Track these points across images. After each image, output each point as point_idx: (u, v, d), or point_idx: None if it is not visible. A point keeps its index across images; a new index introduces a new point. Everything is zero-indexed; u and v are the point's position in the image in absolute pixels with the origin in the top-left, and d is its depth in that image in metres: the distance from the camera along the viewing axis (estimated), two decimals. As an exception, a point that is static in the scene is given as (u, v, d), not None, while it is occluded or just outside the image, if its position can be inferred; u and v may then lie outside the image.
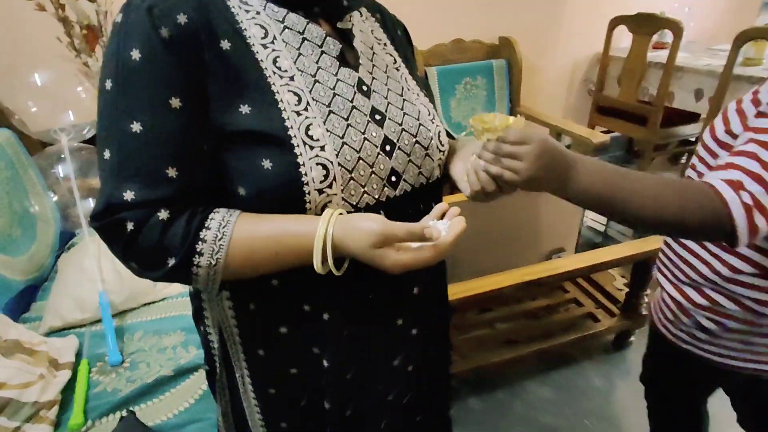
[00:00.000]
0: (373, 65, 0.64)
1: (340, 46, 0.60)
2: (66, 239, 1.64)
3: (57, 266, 1.50)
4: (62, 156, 1.63)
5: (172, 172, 0.51)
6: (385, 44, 0.69)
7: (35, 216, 1.55)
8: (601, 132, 2.38)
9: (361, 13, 0.68)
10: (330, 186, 0.54)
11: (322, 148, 0.53)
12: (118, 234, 0.51)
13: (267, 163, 0.52)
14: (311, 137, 0.53)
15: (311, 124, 0.54)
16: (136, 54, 0.49)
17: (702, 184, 0.60)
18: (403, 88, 0.65)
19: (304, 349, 0.64)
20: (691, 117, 2.65)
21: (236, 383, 0.70)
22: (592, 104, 2.78)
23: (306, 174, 0.52)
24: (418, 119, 0.64)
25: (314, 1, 0.59)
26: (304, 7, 0.59)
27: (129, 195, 0.50)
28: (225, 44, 0.52)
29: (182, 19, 0.50)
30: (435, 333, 0.76)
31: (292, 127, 0.53)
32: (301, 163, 0.52)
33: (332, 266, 0.52)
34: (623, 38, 2.66)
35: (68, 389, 1.11)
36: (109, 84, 0.50)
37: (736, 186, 0.58)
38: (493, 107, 2.56)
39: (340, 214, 0.54)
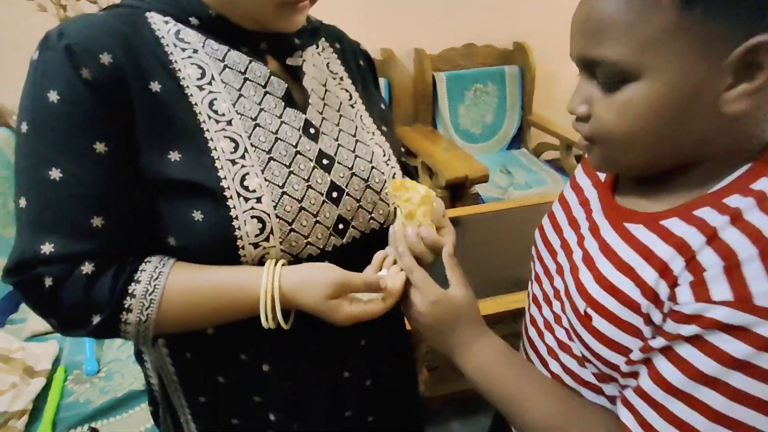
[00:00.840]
0: (325, 104, 0.60)
1: (286, 86, 0.56)
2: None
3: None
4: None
5: (97, 222, 0.47)
6: (341, 79, 0.65)
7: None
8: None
9: (317, 45, 0.65)
10: (267, 239, 0.50)
11: (259, 200, 0.50)
12: (35, 291, 0.47)
13: (198, 215, 0.49)
14: (247, 188, 0.50)
15: (248, 173, 0.50)
16: (53, 96, 0.45)
17: (609, 419, 0.45)
18: (356, 128, 0.62)
19: (245, 398, 0.61)
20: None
21: (181, 425, 0.67)
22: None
23: (240, 228, 0.49)
24: (370, 162, 0.60)
25: (260, 36, 0.55)
26: (248, 44, 0.55)
27: (47, 248, 0.46)
28: (155, 86, 0.49)
29: (106, 59, 0.47)
30: (395, 385, 0.72)
31: (225, 178, 0.49)
32: (234, 216, 0.49)
33: (281, 321, 0.50)
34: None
35: (42, 397, 1.12)
36: (24, 127, 0.47)
37: None
38: (503, 115, 2.48)
39: (284, 264, 0.51)
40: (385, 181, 0.61)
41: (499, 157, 2.44)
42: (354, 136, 0.61)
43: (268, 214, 0.50)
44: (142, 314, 0.48)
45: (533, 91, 2.47)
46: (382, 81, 2.24)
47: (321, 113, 0.59)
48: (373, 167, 0.60)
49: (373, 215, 0.60)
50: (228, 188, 0.49)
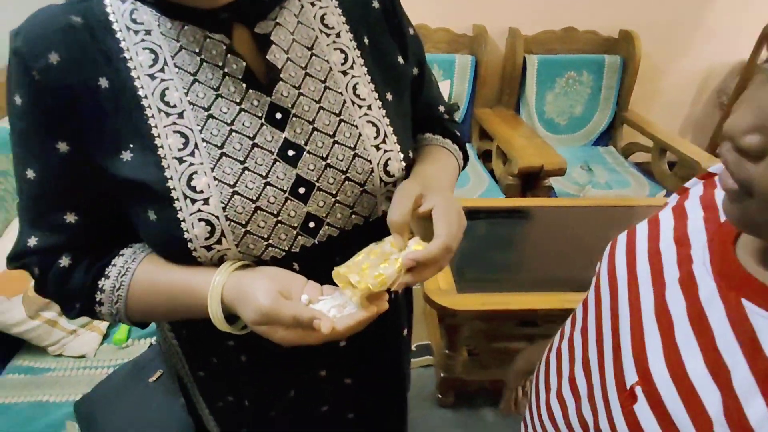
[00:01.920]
0: (306, 75, 0.51)
1: (244, 64, 0.48)
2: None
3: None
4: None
5: (70, 218, 0.48)
6: (337, 35, 0.54)
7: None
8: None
9: None
10: (219, 242, 0.47)
11: (206, 202, 0.46)
12: (31, 276, 0.51)
13: (152, 215, 0.47)
14: (194, 189, 0.46)
15: (195, 172, 0.46)
16: (18, 99, 0.45)
17: None
18: (343, 103, 0.52)
19: (230, 381, 0.63)
20: None
21: (188, 390, 0.71)
22: (720, 121, 2.40)
23: (188, 231, 0.46)
24: (353, 148, 0.52)
25: (222, 6, 0.46)
26: (209, 15, 0.46)
27: (32, 241, 0.49)
28: (103, 82, 0.45)
29: (53, 58, 0.44)
30: (381, 383, 0.71)
31: (171, 178, 0.46)
32: (181, 218, 0.46)
33: (227, 327, 0.48)
34: (779, 48, 2.22)
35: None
36: (10, 131, 0.48)
37: None
38: (595, 108, 2.32)
39: (242, 266, 0.49)
40: (371, 171, 0.52)
41: (582, 152, 2.30)
42: (338, 114, 0.52)
43: (217, 217, 0.46)
44: (112, 307, 0.50)
45: (633, 86, 2.27)
46: (468, 58, 2.19)
47: (298, 88, 0.50)
48: (355, 154, 0.52)
49: (355, 210, 0.53)
50: (174, 189, 0.46)
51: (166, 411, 0.96)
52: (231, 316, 0.48)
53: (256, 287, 0.45)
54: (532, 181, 1.93)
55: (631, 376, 0.36)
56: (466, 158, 0.71)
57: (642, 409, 0.34)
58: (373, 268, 0.48)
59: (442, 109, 0.69)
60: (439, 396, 1.53)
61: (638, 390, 0.35)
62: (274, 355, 0.57)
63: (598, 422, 0.39)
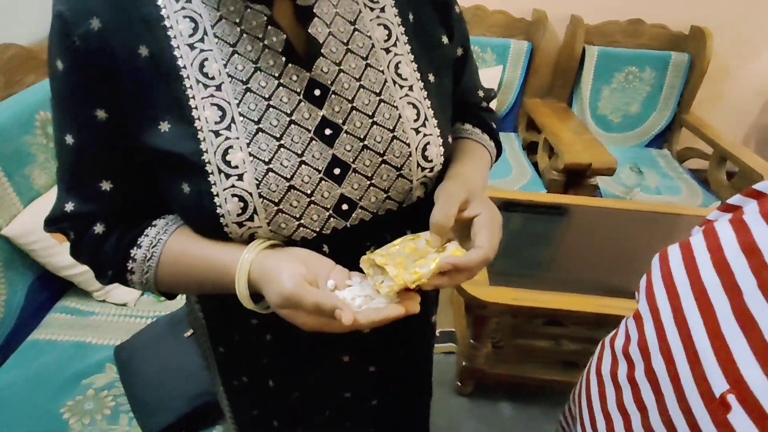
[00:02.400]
0: (348, 50, 0.50)
1: (284, 37, 0.47)
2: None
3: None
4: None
5: (105, 186, 0.49)
6: (381, 9, 0.52)
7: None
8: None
9: None
10: (251, 219, 0.47)
11: (240, 177, 0.46)
12: (67, 240, 0.52)
13: (186, 188, 0.47)
14: (228, 163, 0.46)
15: (231, 147, 0.46)
16: (59, 64, 0.45)
17: None
18: (384, 82, 0.51)
19: (252, 360, 0.63)
20: None
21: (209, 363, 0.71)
22: (789, 132, 2.24)
23: (221, 206, 0.46)
24: (392, 130, 0.50)
25: None
26: None
27: (69, 206, 0.49)
28: (143, 50, 0.45)
29: (95, 23, 0.43)
30: (405, 373, 0.70)
31: (207, 151, 0.46)
32: (215, 193, 0.46)
33: (252, 305, 0.47)
34: None
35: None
36: (51, 95, 0.48)
37: None
38: (653, 107, 2.21)
39: (271, 245, 0.48)
40: (409, 155, 0.51)
41: (633, 153, 2.20)
42: (378, 94, 0.50)
43: (250, 193, 0.46)
44: (142, 277, 0.51)
45: (698, 87, 2.14)
46: (523, 44, 2.11)
47: (338, 65, 0.49)
48: (395, 137, 0.50)
49: (390, 195, 0.52)
50: (209, 163, 0.46)
51: (198, 367, 1.01)
52: (257, 295, 0.48)
53: (281, 269, 0.44)
54: (577, 178, 1.87)
55: (719, 385, 0.35)
56: (499, 152, 0.70)
57: (738, 417, 0.33)
58: (409, 263, 0.47)
59: (481, 94, 0.67)
60: (458, 384, 1.54)
61: (731, 398, 0.34)
62: (298, 338, 0.56)
63: None
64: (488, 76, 2.09)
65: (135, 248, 0.50)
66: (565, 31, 2.16)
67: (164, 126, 0.46)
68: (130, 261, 0.50)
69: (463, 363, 1.48)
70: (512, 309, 1.24)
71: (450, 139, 0.56)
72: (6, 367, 1.13)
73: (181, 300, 1.29)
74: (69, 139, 0.47)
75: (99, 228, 0.50)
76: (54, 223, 0.51)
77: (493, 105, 0.71)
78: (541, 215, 1.61)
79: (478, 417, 1.50)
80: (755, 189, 0.43)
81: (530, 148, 2.20)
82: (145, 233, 0.51)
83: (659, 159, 2.19)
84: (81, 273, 1.25)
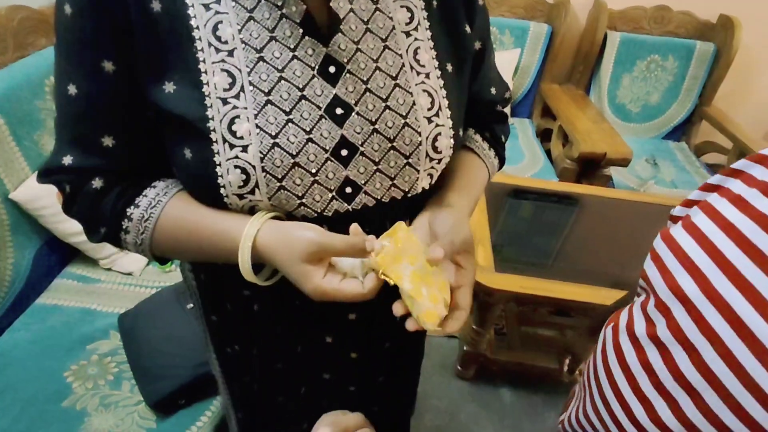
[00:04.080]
0: (367, 30, 0.48)
1: (304, 8, 0.45)
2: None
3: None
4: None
5: (107, 141, 0.47)
6: None
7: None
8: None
9: None
10: (252, 192, 0.46)
11: (244, 149, 0.44)
12: (61, 193, 0.50)
13: (188, 153, 0.46)
14: (234, 133, 0.44)
15: (238, 116, 0.44)
16: (68, 9, 0.43)
17: None
18: (401, 66, 0.49)
19: (240, 330, 0.63)
20: None
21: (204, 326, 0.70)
22: (814, 129, 2.17)
23: (222, 176, 0.45)
24: (405, 117, 0.49)
25: None
26: None
27: (66, 160, 0.48)
28: (156, 5, 0.43)
29: None
30: (388, 363, 0.69)
31: (213, 118, 0.44)
32: (217, 162, 0.45)
33: (253, 276, 0.47)
34: None
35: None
36: (55, 41, 0.46)
37: None
38: (674, 98, 2.15)
39: (274, 217, 0.47)
40: (419, 143, 0.49)
41: (650, 145, 2.15)
42: (395, 78, 0.49)
43: (253, 167, 0.45)
44: (137, 237, 0.49)
45: (722, 79, 2.07)
46: (543, 27, 2.05)
47: (356, 43, 0.47)
48: (406, 123, 0.49)
49: (395, 182, 0.50)
50: (214, 130, 0.44)
51: (200, 337, 1.01)
52: (255, 267, 0.47)
53: (301, 227, 0.45)
54: (590, 168, 1.83)
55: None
56: (501, 164, 0.68)
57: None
58: (429, 289, 0.45)
59: (493, 91, 0.63)
60: (459, 368, 1.54)
61: None
62: (285, 310, 0.57)
63: (719, 419, 0.40)
64: (505, 59, 2.04)
65: (132, 207, 0.49)
66: (588, 15, 2.09)
67: (168, 86, 0.44)
68: (126, 220, 0.49)
69: (465, 347, 1.47)
70: (519, 297, 1.23)
71: (461, 133, 0.54)
72: (13, 329, 1.14)
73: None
74: (72, 89, 0.45)
75: (97, 183, 0.48)
76: (49, 174, 0.49)
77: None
78: (552, 204, 1.59)
79: (479, 401, 1.51)
80: (762, 154, 0.44)
81: (544, 135, 2.16)
82: (143, 193, 0.49)
83: (676, 151, 2.13)
84: (87, 240, 1.26)
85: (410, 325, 0.46)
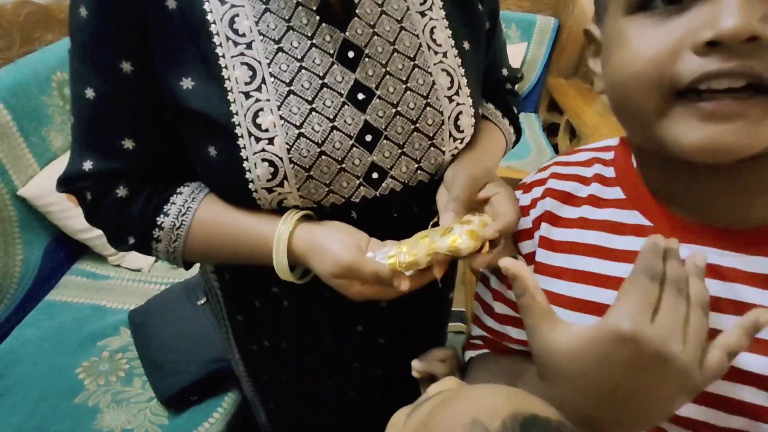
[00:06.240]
0: (382, 12, 0.48)
1: None
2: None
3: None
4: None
5: (128, 143, 0.47)
6: None
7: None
8: None
9: None
10: (281, 185, 0.46)
11: (270, 141, 0.44)
12: (82, 202, 0.49)
13: (212, 151, 0.45)
14: (259, 126, 0.44)
15: (261, 109, 0.44)
16: (83, 11, 0.43)
17: None
18: (419, 47, 0.49)
19: (272, 325, 0.63)
20: None
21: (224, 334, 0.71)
22: None
23: (250, 171, 0.45)
24: (426, 97, 0.49)
25: None
26: None
27: (87, 165, 0.47)
28: (171, 2, 0.43)
29: None
30: (416, 346, 0.68)
31: (237, 113, 0.44)
32: (244, 157, 0.44)
33: (292, 277, 0.48)
34: None
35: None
36: (70, 44, 0.46)
37: None
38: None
39: (305, 216, 0.47)
40: (442, 123, 0.49)
41: (658, 139, 2.13)
42: (413, 59, 0.48)
43: (281, 158, 0.44)
44: (169, 246, 0.49)
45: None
46: (550, 21, 2.03)
47: (372, 27, 0.47)
48: (428, 104, 0.49)
49: (422, 165, 0.50)
50: (239, 125, 0.44)
51: (212, 333, 1.01)
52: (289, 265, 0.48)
53: (333, 239, 0.45)
54: (597, 162, 1.82)
55: None
56: (518, 139, 0.68)
57: None
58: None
59: (504, 72, 0.64)
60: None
61: None
62: (315, 304, 0.57)
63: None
64: (511, 53, 2.01)
65: (162, 216, 0.48)
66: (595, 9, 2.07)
67: (187, 83, 0.44)
68: (157, 229, 0.48)
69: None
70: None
71: (480, 112, 0.54)
72: (23, 325, 1.14)
73: (195, 267, 1.29)
74: (89, 93, 0.45)
75: (122, 191, 0.48)
76: (69, 182, 0.49)
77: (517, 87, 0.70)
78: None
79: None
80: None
81: (550, 130, 2.15)
82: (171, 201, 0.49)
83: (684, 146, 2.12)
84: (96, 237, 1.26)
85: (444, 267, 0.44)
